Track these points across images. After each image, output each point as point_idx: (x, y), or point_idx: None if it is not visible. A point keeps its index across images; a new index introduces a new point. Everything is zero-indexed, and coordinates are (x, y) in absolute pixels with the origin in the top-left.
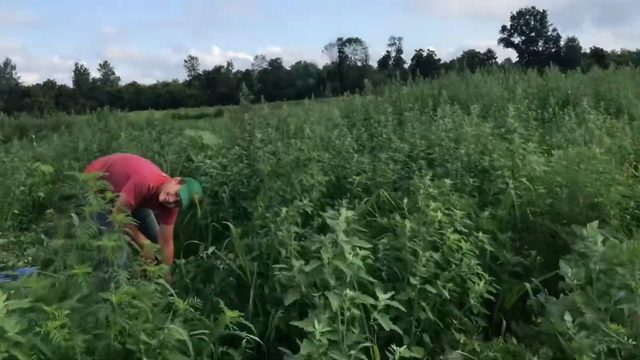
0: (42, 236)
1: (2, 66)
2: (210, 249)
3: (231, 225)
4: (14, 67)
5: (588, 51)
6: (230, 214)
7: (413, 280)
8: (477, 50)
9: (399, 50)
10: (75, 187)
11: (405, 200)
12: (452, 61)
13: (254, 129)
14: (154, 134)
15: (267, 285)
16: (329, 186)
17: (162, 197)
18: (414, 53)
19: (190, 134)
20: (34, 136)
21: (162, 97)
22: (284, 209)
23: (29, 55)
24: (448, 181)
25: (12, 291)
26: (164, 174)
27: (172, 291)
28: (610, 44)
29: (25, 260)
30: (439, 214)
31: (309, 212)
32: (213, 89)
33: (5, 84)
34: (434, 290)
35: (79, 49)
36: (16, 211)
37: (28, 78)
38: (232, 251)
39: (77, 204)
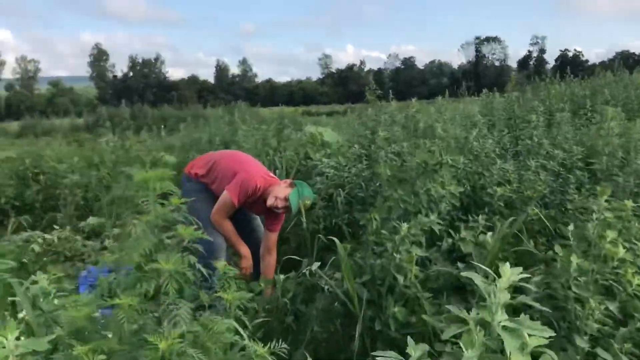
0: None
1: (153, 61)
2: (315, 265)
3: (337, 241)
4: (163, 62)
5: None
6: (344, 220)
7: (580, 341)
8: (632, 50)
9: (542, 50)
10: (130, 188)
11: (571, 227)
12: (603, 62)
13: (377, 126)
14: (273, 130)
15: (379, 319)
16: (463, 198)
17: (270, 201)
18: (558, 53)
19: (310, 130)
20: (163, 127)
21: (295, 94)
22: (405, 225)
23: (176, 51)
24: (630, 203)
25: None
26: (272, 175)
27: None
28: None
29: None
30: (620, 248)
31: (436, 231)
32: (345, 87)
33: (155, 78)
34: (609, 358)
35: (221, 46)
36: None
37: (175, 73)
38: (339, 269)
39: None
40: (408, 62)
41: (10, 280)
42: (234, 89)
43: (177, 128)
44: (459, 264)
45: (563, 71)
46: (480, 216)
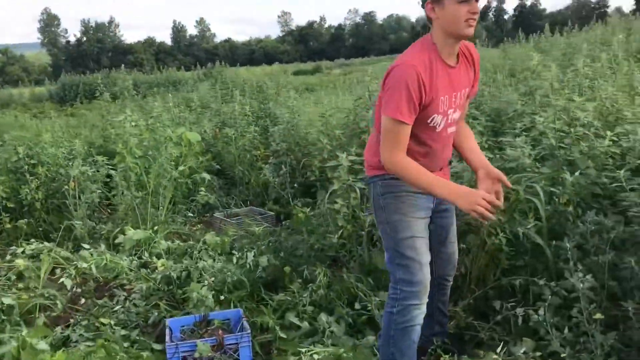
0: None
1: (107, 24)
2: None
3: None
4: (117, 26)
5: None
6: None
7: None
8: None
9: (501, 0)
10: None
11: None
12: (560, 11)
13: None
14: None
15: None
16: None
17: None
18: (517, 3)
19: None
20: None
21: (256, 53)
22: None
23: (130, 14)
24: None
25: None
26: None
27: None
28: None
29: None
30: None
31: None
32: (306, 44)
33: (110, 42)
34: None
35: (176, 6)
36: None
37: (130, 36)
38: None
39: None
40: (368, 18)
41: None
42: (192, 50)
43: (153, 94)
44: None
45: (521, 22)
46: None
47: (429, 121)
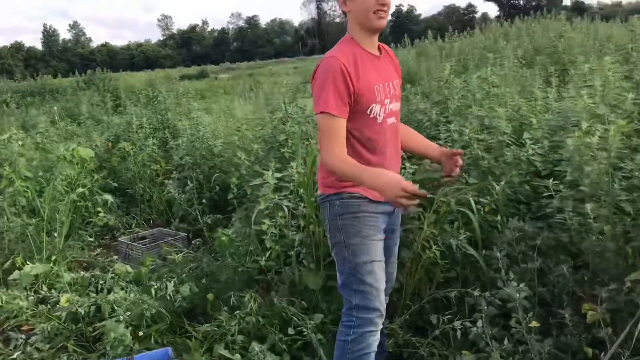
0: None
1: None
2: None
3: None
4: None
5: (569, 3)
6: None
7: None
8: (458, 4)
9: None
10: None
11: None
12: (435, 16)
13: None
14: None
15: None
16: None
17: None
18: (393, 8)
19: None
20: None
21: (137, 57)
22: None
23: None
24: None
25: None
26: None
27: None
28: None
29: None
30: None
31: None
32: (188, 48)
33: None
34: None
35: (44, 9)
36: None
37: None
38: None
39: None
40: (252, 21)
41: None
42: (66, 56)
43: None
44: None
45: (399, 27)
46: None
47: (368, 112)
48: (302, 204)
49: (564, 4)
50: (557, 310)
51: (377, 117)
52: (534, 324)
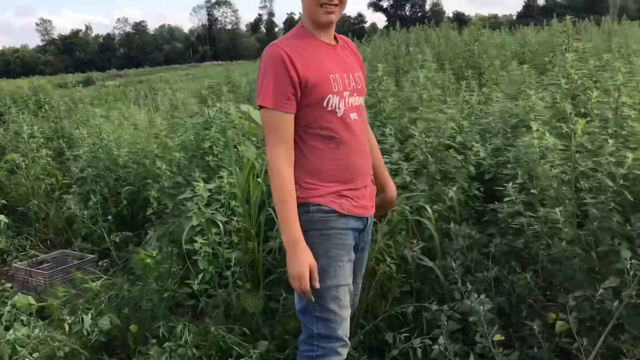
0: None
1: None
2: None
3: None
4: None
5: (451, 15)
6: None
7: None
8: (348, 14)
9: (271, 14)
10: None
11: None
12: None
13: None
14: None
15: None
16: None
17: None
18: (285, 16)
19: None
20: None
21: (12, 64)
22: None
23: None
24: None
25: None
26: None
27: None
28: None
29: None
30: None
31: None
32: (71, 54)
33: None
34: None
35: None
36: None
37: None
38: None
39: None
40: (139, 27)
41: None
42: None
43: None
44: None
45: None
46: None
47: (325, 104)
48: (235, 218)
49: (446, 15)
50: (518, 320)
51: (337, 110)
52: (498, 337)
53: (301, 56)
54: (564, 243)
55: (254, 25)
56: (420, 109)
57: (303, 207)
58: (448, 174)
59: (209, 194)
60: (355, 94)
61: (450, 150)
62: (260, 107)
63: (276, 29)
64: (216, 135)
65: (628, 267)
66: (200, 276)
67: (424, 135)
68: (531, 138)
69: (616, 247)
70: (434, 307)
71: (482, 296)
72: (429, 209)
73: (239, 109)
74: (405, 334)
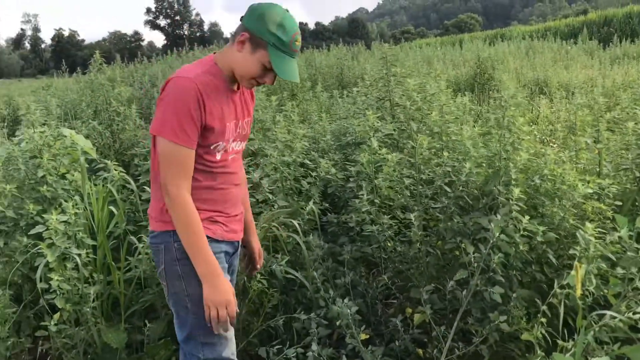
0: None
1: None
2: None
3: None
4: None
5: (228, 35)
6: None
7: None
8: (124, 31)
9: (37, 29)
10: None
11: None
12: (99, 42)
13: None
14: None
15: None
16: None
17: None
18: (53, 32)
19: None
20: None
21: None
22: None
23: None
24: None
25: None
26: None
27: None
28: None
29: None
30: None
31: None
32: None
33: None
34: None
35: None
36: None
37: None
38: None
39: None
40: None
41: None
42: None
43: None
44: None
45: (61, 52)
46: None
47: (212, 147)
48: (85, 250)
49: (224, 36)
50: (376, 319)
51: (220, 151)
52: (364, 336)
53: (209, 99)
54: (417, 244)
55: (17, 41)
56: (275, 130)
57: (176, 235)
58: (302, 189)
59: (66, 228)
60: (238, 139)
61: (302, 168)
62: (170, 140)
63: (43, 45)
64: (52, 164)
65: (472, 259)
66: (57, 316)
67: (280, 155)
68: (369, 154)
69: (459, 244)
70: (303, 316)
71: (346, 300)
72: (296, 223)
73: (61, 133)
74: (278, 347)
